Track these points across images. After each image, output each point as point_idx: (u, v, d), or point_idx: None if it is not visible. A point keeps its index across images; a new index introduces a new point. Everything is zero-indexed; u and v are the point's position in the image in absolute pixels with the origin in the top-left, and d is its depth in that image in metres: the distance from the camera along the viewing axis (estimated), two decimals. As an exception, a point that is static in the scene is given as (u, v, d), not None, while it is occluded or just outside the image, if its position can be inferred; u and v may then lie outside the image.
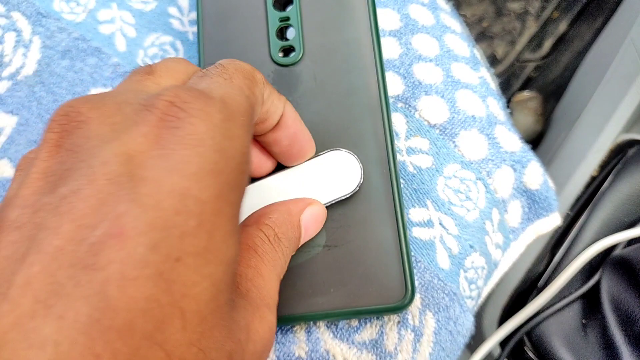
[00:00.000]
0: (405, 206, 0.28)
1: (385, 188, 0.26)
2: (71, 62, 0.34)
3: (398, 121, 0.29)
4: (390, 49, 0.31)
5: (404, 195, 0.28)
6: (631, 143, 0.43)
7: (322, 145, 0.26)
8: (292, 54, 0.28)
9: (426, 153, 0.29)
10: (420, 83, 0.30)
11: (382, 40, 0.31)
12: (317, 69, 0.28)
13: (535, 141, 0.68)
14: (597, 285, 0.39)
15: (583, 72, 0.62)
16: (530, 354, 0.40)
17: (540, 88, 0.82)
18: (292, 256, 0.25)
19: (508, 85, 0.84)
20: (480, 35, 0.88)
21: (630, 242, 0.39)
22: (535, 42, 0.89)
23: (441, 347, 0.26)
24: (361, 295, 0.24)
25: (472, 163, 0.29)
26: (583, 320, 0.39)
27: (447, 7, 0.36)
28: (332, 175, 0.26)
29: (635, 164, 0.41)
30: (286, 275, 0.24)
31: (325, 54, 0.28)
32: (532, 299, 0.40)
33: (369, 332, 0.25)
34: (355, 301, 0.24)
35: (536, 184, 0.31)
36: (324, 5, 0.29)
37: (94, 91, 0.33)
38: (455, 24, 0.35)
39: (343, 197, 0.25)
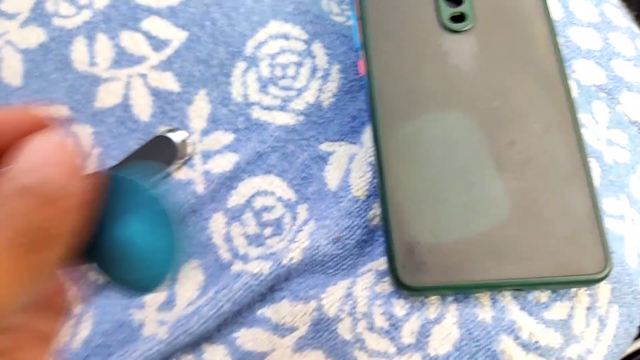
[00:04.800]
0: (600, 194, 0.27)
1: (574, 156, 0.25)
2: (252, -10, 0.33)
3: (600, 110, 0.29)
4: (591, 39, 0.30)
5: (601, 184, 0.27)
6: None
7: (495, 111, 0.26)
8: (462, 22, 0.28)
9: (623, 147, 0.28)
10: (621, 78, 0.29)
11: (582, 28, 0.31)
12: (490, 37, 0.27)
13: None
14: None
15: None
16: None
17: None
18: (475, 223, 0.24)
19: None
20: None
21: None
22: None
23: (616, 344, 0.25)
24: (557, 264, 0.23)
25: (663, 168, 0.29)
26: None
27: (629, 15, 0.36)
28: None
29: None
30: (471, 241, 0.24)
31: (497, 22, 0.28)
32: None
33: (558, 311, 0.24)
34: (551, 270, 0.23)
35: None
36: None
37: (273, 23, 0.32)
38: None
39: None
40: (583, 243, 0.24)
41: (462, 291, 0.24)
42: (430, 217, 0.24)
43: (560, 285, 0.24)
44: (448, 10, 0.28)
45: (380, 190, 0.25)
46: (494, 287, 0.24)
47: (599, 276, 0.23)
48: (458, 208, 0.24)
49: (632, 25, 0.34)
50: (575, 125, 0.25)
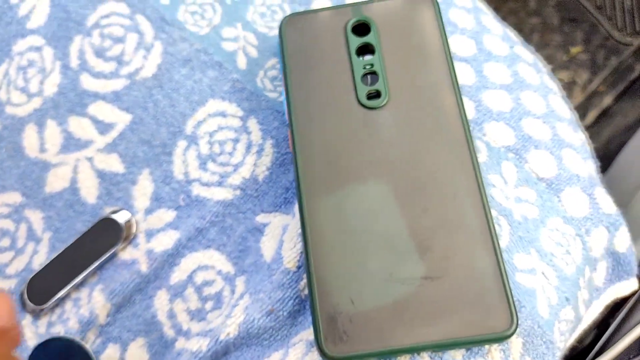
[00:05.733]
0: (510, 250, 0.29)
1: (480, 219, 0.27)
2: (191, 72, 0.35)
3: (508, 170, 0.31)
4: (502, 101, 0.33)
5: (510, 241, 0.29)
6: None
7: (409, 181, 0.28)
8: (378, 98, 0.30)
9: (532, 204, 0.30)
10: (530, 137, 0.32)
11: (495, 91, 0.33)
12: (403, 111, 0.30)
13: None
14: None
15: (635, 148, 0.63)
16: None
17: (582, 156, 0.83)
18: (392, 289, 0.26)
19: (551, 150, 0.86)
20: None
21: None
22: (580, 112, 0.91)
23: (533, 395, 0.27)
24: (468, 325, 0.25)
25: (573, 219, 0.31)
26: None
27: (545, 70, 0.38)
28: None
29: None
30: (388, 308, 0.25)
31: (409, 97, 0.30)
32: (591, 360, 0.40)
33: None
34: (463, 331, 0.25)
35: (623, 248, 0.33)
36: (404, 53, 0.31)
37: (211, 102, 0.34)
38: (554, 86, 0.37)
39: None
40: (490, 302, 0.26)
41: (382, 357, 0.25)
42: (351, 286, 0.26)
43: (472, 344, 0.25)
44: (364, 89, 0.30)
45: (305, 261, 0.27)
46: (411, 351, 0.25)
47: (507, 333, 0.25)
48: (376, 276, 0.26)
49: (547, 80, 0.36)
50: (481, 189, 0.27)
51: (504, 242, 0.29)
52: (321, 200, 0.28)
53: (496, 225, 0.29)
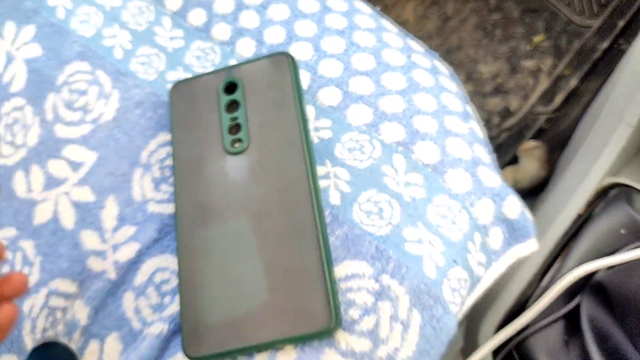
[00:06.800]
0: (400, 226, 0.35)
1: (311, 236, 0.33)
2: (144, 111, 0.42)
3: (398, 161, 0.37)
4: (397, 104, 0.39)
5: (401, 218, 0.35)
6: (613, 186, 0.50)
7: (259, 214, 0.35)
8: (240, 145, 0.37)
9: (420, 186, 0.36)
10: (418, 131, 0.38)
11: (390, 96, 0.39)
12: (259, 155, 0.36)
13: (541, 185, 0.75)
14: (578, 307, 0.44)
15: (583, 123, 0.69)
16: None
17: (550, 139, 0.89)
18: (242, 302, 0.33)
19: (521, 136, 0.91)
20: (495, 90, 0.96)
21: (608, 269, 0.46)
22: (547, 96, 0.96)
23: (425, 340, 0.33)
24: (296, 325, 0.31)
25: (457, 195, 0.37)
26: (565, 337, 0.44)
27: (446, 72, 0.44)
28: None
29: (615, 203, 0.48)
30: (238, 317, 0.32)
31: (265, 143, 0.37)
32: (520, 316, 0.46)
33: (367, 324, 0.32)
34: (292, 330, 0.31)
35: (514, 214, 0.38)
36: (263, 106, 0.38)
37: (161, 135, 0.41)
38: (452, 85, 0.43)
39: None
40: (315, 307, 0.31)
41: (227, 357, 0.32)
42: (210, 302, 0.33)
43: (298, 341, 0.32)
44: (230, 138, 0.37)
45: (178, 284, 0.35)
46: (249, 350, 0.32)
47: (327, 329, 0.31)
48: (231, 293, 0.33)
49: (443, 81, 0.42)
50: (316, 219, 0.33)
51: (395, 220, 0.35)
52: (192, 236, 0.36)
53: (389, 207, 0.35)
